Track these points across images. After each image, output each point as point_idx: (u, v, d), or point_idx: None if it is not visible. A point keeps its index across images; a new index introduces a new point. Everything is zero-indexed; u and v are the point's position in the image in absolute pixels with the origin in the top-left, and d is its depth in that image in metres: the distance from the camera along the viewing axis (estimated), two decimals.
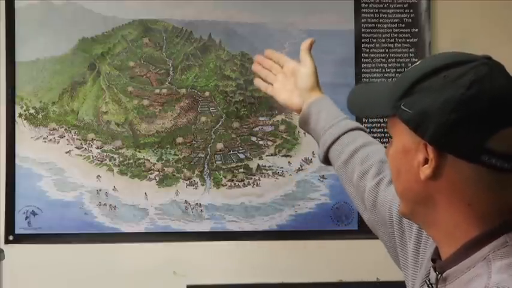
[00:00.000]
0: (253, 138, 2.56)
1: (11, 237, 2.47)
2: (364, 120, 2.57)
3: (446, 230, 1.00)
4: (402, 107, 0.99)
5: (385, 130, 2.56)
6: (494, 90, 0.94)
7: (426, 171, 0.99)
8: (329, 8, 2.58)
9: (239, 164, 2.55)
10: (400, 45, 2.60)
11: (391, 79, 2.61)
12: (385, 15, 2.60)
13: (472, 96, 0.94)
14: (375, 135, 2.56)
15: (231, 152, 2.55)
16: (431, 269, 1.05)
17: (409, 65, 2.58)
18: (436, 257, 1.06)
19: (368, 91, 1.15)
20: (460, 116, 0.94)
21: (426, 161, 0.99)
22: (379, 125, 2.57)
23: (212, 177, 2.54)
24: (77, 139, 2.51)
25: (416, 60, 2.58)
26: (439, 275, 1.01)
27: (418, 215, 1.05)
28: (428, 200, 1.01)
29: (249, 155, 2.56)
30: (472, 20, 2.61)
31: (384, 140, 2.56)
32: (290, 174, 2.56)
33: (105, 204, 2.49)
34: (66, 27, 2.52)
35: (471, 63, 0.97)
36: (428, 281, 1.04)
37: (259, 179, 2.55)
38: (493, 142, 0.94)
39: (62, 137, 2.50)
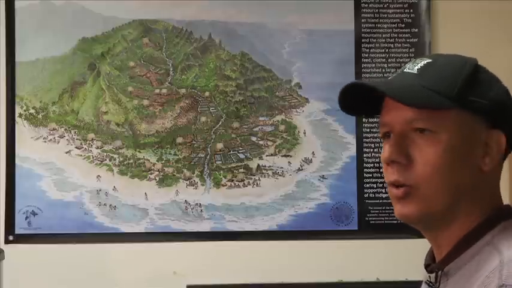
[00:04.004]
0: (253, 138, 2.56)
1: (11, 237, 2.47)
2: (364, 120, 2.57)
3: (461, 224, 1.00)
4: (472, 98, 0.98)
5: None
6: None
7: (492, 162, 1.00)
8: (329, 8, 2.58)
9: (239, 164, 2.55)
10: (400, 45, 2.60)
11: None
12: (385, 15, 2.60)
13: None
14: (375, 135, 2.56)
15: (231, 152, 2.55)
16: (427, 273, 1.04)
17: None
18: (430, 262, 1.06)
19: (398, 83, 1.07)
20: None
21: (485, 153, 0.99)
22: (378, 125, 2.56)
23: (212, 177, 2.54)
24: (77, 139, 2.51)
25: None
26: (440, 272, 1.00)
27: (447, 213, 1.01)
28: (476, 194, 1.00)
29: (249, 155, 2.56)
30: (472, 20, 2.61)
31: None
32: (290, 174, 2.56)
33: (105, 204, 2.49)
34: (66, 27, 2.52)
35: (479, 63, 1.03)
36: (429, 279, 1.04)
37: (259, 179, 2.55)
38: None
39: (62, 137, 2.50)
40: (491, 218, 0.99)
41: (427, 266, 1.06)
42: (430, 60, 1.03)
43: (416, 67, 1.03)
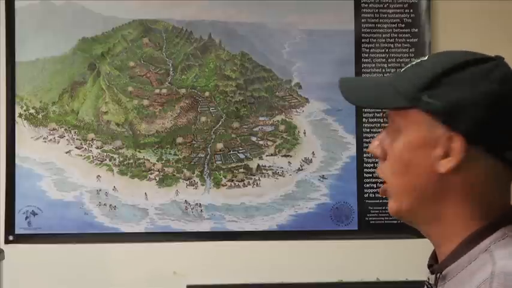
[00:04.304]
0: (253, 138, 2.56)
1: (11, 237, 2.47)
2: (364, 120, 2.57)
3: (449, 226, 1.00)
4: (427, 99, 0.98)
5: None
6: None
7: (449, 164, 0.97)
8: (329, 8, 2.58)
9: (239, 164, 2.55)
10: (400, 45, 2.60)
11: None
12: (385, 15, 2.60)
13: (508, 91, 0.97)
14: (374, 134, 2.56)
15: (231, 152, 2.55)
16: (430, 274, 1.05)
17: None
18: (433, 262, 1.06)
19: (365, 84, 1.12)
20: (499, 110, 0.96)
21: (445, 155, 0.98)
22: (378, 125, 2.57)
23: (212, 177, 2.54)
24: (77, 139, 2.51)
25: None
26: (438, 274, 1.01)
27: (420, 212, 1.02)
28: (439, 195, 1.00)
29: (249, 155, 2.56)
30: (472, 20, 2.61)
31: None
32: (290, 174, 2.56)
33: (105, 204, 2.49)
34: (66, 27, 2.52)
35: (492, 61, 0.99)
36: (428, 280, 1.04)
37: (259, 179, 2.55)
38: None
39: (62, 137, 2.50)
40: (492, 223, 0.98)
41: (429, 266, 1.06)
42: (424, 59, 1.04)
43: (407, 66, 1.05)
